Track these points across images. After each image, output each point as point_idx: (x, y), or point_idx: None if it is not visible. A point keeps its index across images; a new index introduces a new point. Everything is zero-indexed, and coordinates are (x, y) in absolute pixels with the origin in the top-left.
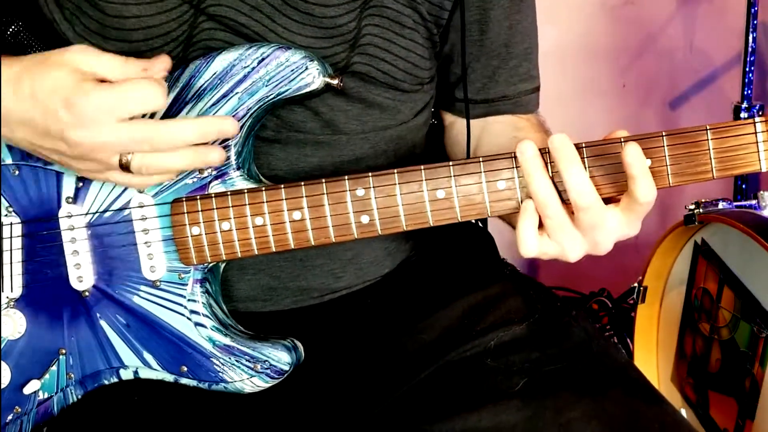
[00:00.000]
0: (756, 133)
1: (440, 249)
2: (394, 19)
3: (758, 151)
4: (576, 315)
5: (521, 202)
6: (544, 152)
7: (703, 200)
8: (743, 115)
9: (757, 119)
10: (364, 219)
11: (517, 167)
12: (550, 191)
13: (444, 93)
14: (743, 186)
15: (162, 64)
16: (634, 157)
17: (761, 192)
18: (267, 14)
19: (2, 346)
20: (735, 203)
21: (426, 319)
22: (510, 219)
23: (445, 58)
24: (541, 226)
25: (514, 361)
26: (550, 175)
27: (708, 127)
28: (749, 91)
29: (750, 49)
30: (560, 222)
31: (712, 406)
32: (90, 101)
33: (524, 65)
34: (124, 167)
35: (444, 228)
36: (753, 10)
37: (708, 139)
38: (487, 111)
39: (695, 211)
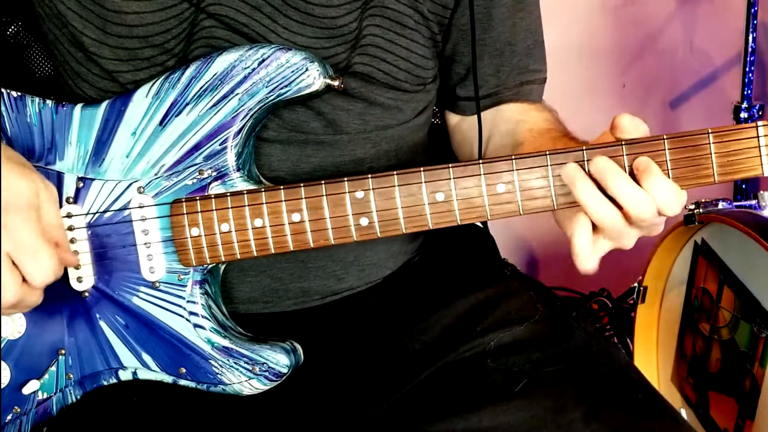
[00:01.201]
0: (758, 137)
1: (441, 250)
2: (396, 20)
3: (760, 156)
4: (576, 316)
5: (521, 204)
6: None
7: (703, 200)
8: (743, 115)
9: (759, 123)
10: (363, 221)
11: (517, 170)
12: (608, 207)
13: (446, 93)
14: (743, 186)
15: (73, 259)
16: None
17: (761, 192)
18: (267, 14)
19: (2, 346)
20: (735, 203)
21: (427, 320)
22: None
23: (447, 59)
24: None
25: (515, 361)
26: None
27: (710, 131)
28: (749, 91)
29: (750, 49)
30: (620, 229)
31: (712, 406)
32: (21, 223)
33: (524, 60)
34: None
35: (445, 229)
36: (753, 10)
37: (710, 143)
38: (491, 103)
39: (695, 211)
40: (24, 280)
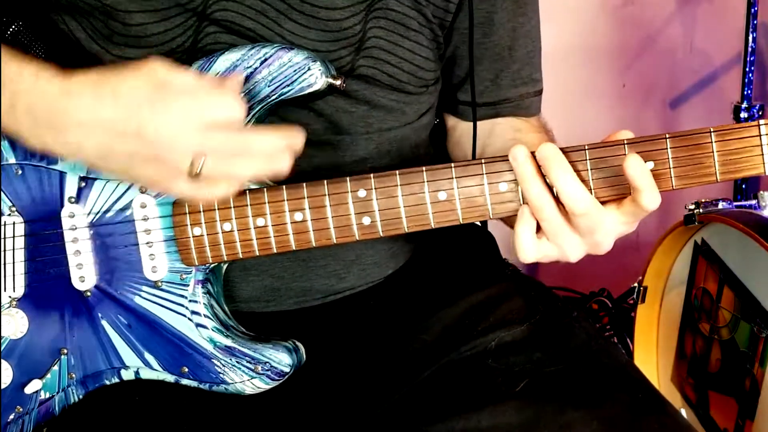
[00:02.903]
0: (760, 135)
1: (442, 250)
2: (399, 22)
3: (762, 154)
4: (577, 316)
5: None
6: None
7: (703, 200)
8: (743, 115)
9: (761, 122)
10: (366, 220)
11: None
12: (544, 194)
13: (447, 95)
14: (743, 186)
15: (236, 79)
16: (636, 169)
17: (761, 192)
18: (272, 18)
19: (4, 346)
20: (735, 203)
21: (427, 320)
22: (511, 221)
23: (447, 61)
24: (539, 229)
25: (515, 361)
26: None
27: (712, 130)
28: (749, 91)
29: (750, 49)
30: (557, 225)
31: (712, 406)
32: (173, 99)
33: (526, 69)
34: (193, 174)
35: (446, 229)
36: (753, 10)
37: (712, 142)
38: (489, 114)
39: (695, 211)
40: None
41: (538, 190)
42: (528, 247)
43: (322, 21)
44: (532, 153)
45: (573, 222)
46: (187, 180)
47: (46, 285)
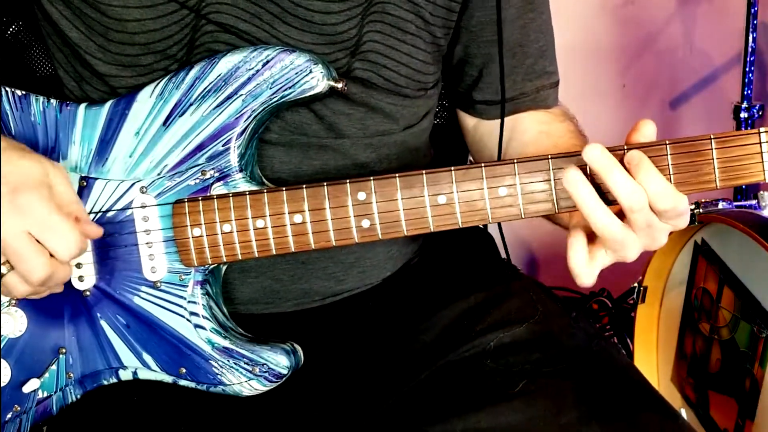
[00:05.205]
0: (761, 143)
1: (441, 250)
2: (396, 25)
3: (762, 162)
4: (576, 316)
5: (522, 208)
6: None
7: (703, 200)
8: (743, 115)
9: (762, 129)
10: (365, 223)
11: (519, 174)
12: (609, 217)
13: (461, 95)
14: (743, 186)
15: (96, 230)
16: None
17: (761, 192)
18: (267, 22)
19: (3, 344)
20: (735, 203)
21: (426, 321)
22: (552, 218)
23: (458, 61)
24: (590, 240)
25: (514, 362)
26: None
27: (712, 137)
28: (749, 91)
29: (750, 49)
30: (621, 239)
31: (712, 406)
32: (34, 201)
33: (540, 62)
34: None
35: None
36: (753, 10)
37: (712, 149)
38: (508, 110)
39: (695, 211)
40: (51, 256)
41: (603, 214)
42: (588, 277)
43: (317, 25)
44: (582, 167)
45: (629, 220)
46: None
47: None
